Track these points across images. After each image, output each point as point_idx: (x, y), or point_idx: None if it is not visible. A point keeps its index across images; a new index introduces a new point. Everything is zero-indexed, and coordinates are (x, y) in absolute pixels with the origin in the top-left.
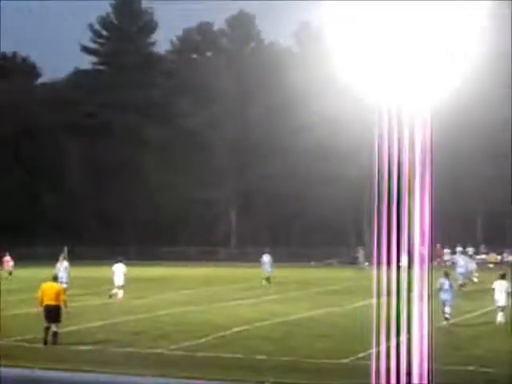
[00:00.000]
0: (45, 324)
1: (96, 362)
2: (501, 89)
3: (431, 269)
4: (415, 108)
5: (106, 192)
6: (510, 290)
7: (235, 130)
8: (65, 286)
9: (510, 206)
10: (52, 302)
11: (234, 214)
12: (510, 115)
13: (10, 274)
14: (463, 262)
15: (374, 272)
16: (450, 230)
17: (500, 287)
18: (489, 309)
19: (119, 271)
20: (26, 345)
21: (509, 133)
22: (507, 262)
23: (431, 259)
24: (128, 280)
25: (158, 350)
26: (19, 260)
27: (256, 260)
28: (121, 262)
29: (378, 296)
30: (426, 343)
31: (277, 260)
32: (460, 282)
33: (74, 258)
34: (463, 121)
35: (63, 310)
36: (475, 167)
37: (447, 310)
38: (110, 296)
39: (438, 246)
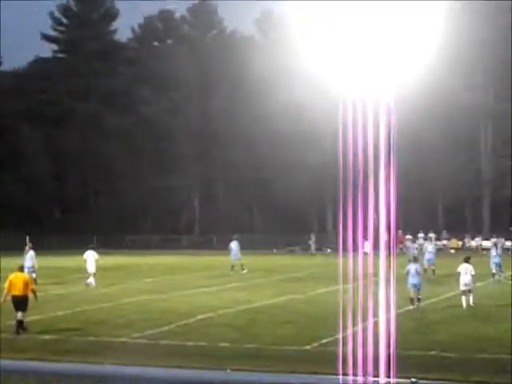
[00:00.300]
0: (16, 314)
1: (60, 351)
2: (463, 75)
3: (394, 255)
4: (378, 95)
5: (68, 180)
6: (473, 272)
7: (198, 118)
8: (34, 275)
9: (470, 191)
10: (19, 293)
11: (197, 201)
12: (471, 101)
13: None
14: (432, 248)
15: (339, 259)
16: (412, 217)
17: (465, 270)
18: (452, 293)
19: (91, 258)
20: None
21: (471, 119)
22: (468, 247)
23: (395, 245)
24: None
25: (122, 339)
26: None
27: (219, 248)
28: (92, 249)
29: (343, 282)
30: (391, 328)
31: (241, 247)
32: (426, 267)
33: (37, 248)
34: (426, 108)
35: (31, 300)
36: (437, 154)
37: (417, 293)
38: (87, 285)
39: (400, 232)
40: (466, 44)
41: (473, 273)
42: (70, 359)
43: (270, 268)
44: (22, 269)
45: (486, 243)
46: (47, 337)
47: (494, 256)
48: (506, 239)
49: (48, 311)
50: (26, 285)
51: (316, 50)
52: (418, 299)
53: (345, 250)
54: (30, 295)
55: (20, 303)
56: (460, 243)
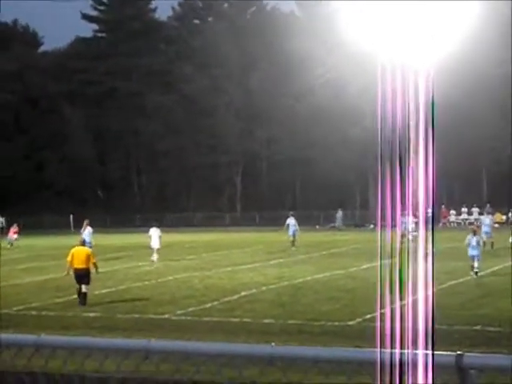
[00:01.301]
0: (77, 286)
1: (104, 328)
2: (503, 47)
3: (436, 230)
4: (418, 65)
5: (110, 160)
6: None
7: (239, 95)
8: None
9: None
10: (82, 266)
11: (240, 179)
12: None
13: (11, 244)
14: (489, 221)
15: (378, 234)
16: (456, 191)
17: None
18: (499, 267)
19: (155, 235)
20: (34, 313)
21: (508, 89)
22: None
23: (437, 220)
24: (134, 247)
25: (165, 316)
26: (24, 229)
27: (262, 224)
28: (156, 226)
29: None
30: (431, 304)
31: (283, 224)
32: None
33: (80, 227)
34: (468, 81)
35: (92, 272)
36: (479, 127)
37: (476, 264)
38: (152, 261)
39: (443, 207)
40: (506, 16)
41: (481, 244)
42: (114, 336)
43: (312, 244)
44: (83, 243)
45: None
46: (92, 314)
47: None
48: None
49: (93, 289)
50: (87, 258)
51: (356, 24)
52: (476, 273)
53: (385, 226)
54: (92, 269)
55: (83, 276)
56: (504, 217)
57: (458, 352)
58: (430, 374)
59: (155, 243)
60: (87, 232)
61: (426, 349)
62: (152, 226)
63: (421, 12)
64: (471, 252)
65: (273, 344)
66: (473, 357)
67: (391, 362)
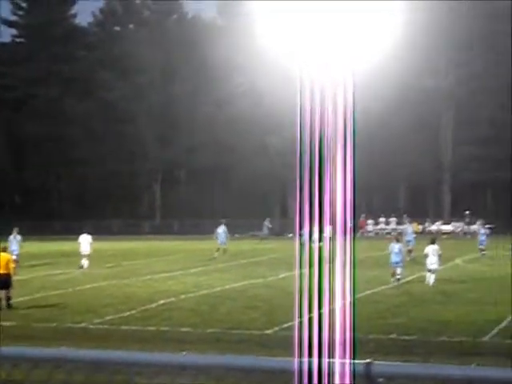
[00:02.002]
0: None
1: (19, 337)
2: (426, 60)
3: (353, 239)
4: (340, 80)
5: (28, 166)
6: (440, 252)
7: (160, 103)
8: (15, 257)
9: (431, 176)
10: (3, 271)
11: (158, 186)
12: (433, 86)
13: None
14: (411, 230)
15: (294, 244)
16: (374, 201)
17: (432, 251)
18: (413, 277)
19: (85, 241)
20: None
21: (433, 104)
22: (429, 231)
23: (354, 230)
24: (52, 254)
25: (82, 325)
26: None
27: (180, 233)
28: (86, 233)
29: (303, 267)
30: (349, 312)
31: (202, 232)
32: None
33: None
34: (389, 93)
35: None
36: (399, 138)
37: (398, 271)
38: (81, 267)
39: (362, 217)
40: (428, 29)
41: (440, 252)
42: (29, 346)
43: (231, 252)
44: (4, 249)
45: (446, 227)
46: (7, 323)
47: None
48: (466, 223)
49: None
50: (7, 263)
51: (277, 34)
52: (398, 279)
53: (303, 234)
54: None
55: (3, 281)
56: (420, 227)
57: (367, 360)
58: (344, 382)
59: (85, 249)
60: (15, 239)
61: (341, 357)
62: (83, 233)
63: (344, 23)
64: (394, 259)
65: (184, 353)
66: (382, 365)
67: (309, 371)
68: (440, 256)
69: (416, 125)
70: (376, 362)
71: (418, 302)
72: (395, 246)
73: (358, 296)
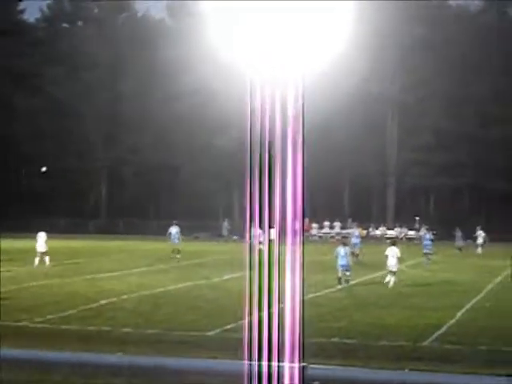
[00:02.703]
0: None
1: None
2: (372, 65)
3: (302, 242)
4: (288, 82)
5: None
6: (399, 255)
7: (108, 101)
8: None
9: (376, 180)
10: None
11: (105, 185)
12: (379, 92)
13: None
14: (358, 233)
15: (245, 245)
16: (319, 205)
17: (392, 253)
18: (356, 281)
19: (41, 239)
20: None
21: (379, 109)
22: (373, 236)
23: (303, 233)
24: None
25: (22, 323)
26: None
27: (126, 232)
28: (43, 231)
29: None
30: (297, 316)
31: (146, 232)
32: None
33: None
34: (335, 97)
35: None
36: (344, 142)
37: (347, 273)
38: (39, 263)
39: (307, 220)
40: (376, 34)
41: (399, 255)
42: None
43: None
44: None
45: (390, 232)
46: None
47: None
48: (410, 229)
49: None
50: None
51: (227, 35)
52: (347, 280)
53: (251, 236)
54: None
55: None
56: (365, 232)
57: (303, 364)
58: None
59: (41, 247)
60: None
61: (282, 360)
62: (40, 231)
63: (295, 26)
64: (341, 262)
65: (119, 354)
66: (317, 369)
67: (249, 373)
68: (399, 259)
69: (362, 129)
70: (311, 365)
71: (361, 305)
72: (342, 250)
73: (301, 299)
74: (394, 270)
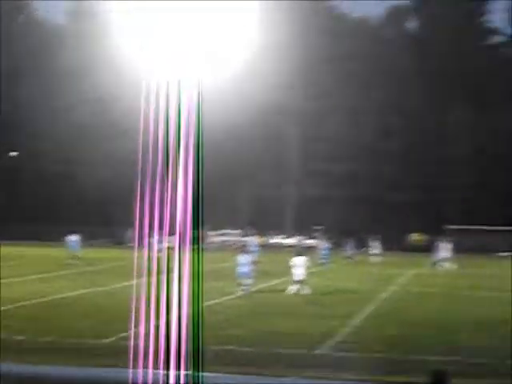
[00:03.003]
0: None
1: None
2: (275, 74)
3: (200, 250)
4: (189, 89)
5: None
6: (308, 264)
7: (5, 106)
8: None
9: (275, 189)
10: None
11: (2, 191)
12: (282, 101)
13: None
14: (256, 242)
15: (140, 253)
16: (217, 213)
17: (299, 263)
18: (255, 288)
19: None
20: None
21: (281, 118)
22: (271, 244)
23: (199, 240)
24: None
25: None
26: None
27: (21, 238)
28: None
29: (145, 276)
30: (192, 323)
31: (45, 239)
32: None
33: None
34: (237, 105)
35: None
36: (245, 149)
37: (248, 281)
38: None
39: (206, 228)
40: (279, 46)
41: (307, 264)
42: None
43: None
44: None
45: (288, 241)
46: None
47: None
48: (308, 238)
49: None
50: None
51: (128, 40)
52: (247, 288)
53: (143, 244)
54: None
55: None
56: (263, 240)
57: (188, 372)
58: None
59: None
60: None
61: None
62: None
63: (198, 34)
64: (241, 270)
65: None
66: (207, 377)
67: (144, 381)
68: (306, 268)
69: (263, 138)
70: (205, 373)
71: (258, 313)
72: (242, 258)
73: (199, 306)
74: (302, 278)
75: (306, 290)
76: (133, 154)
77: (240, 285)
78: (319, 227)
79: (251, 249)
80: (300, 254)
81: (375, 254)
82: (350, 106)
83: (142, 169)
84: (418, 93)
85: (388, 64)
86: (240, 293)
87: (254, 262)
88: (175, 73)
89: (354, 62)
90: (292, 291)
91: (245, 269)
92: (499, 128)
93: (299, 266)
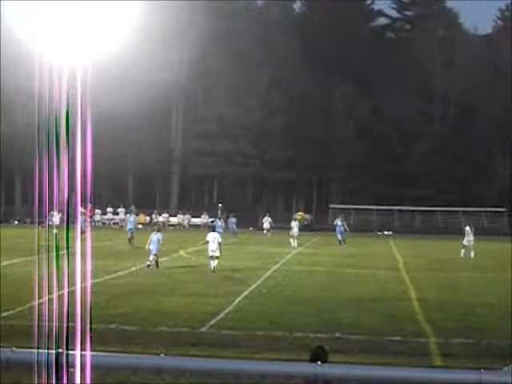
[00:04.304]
0: None
1: None
2: (158, 54)
3: (86, 228)
4: (73, 66)
5: None
6: (220, 240)
7: None
8: None
9: (161, 168)
10: None
11: None
12: (165, 81)
13: None
14: (133, 219)
15: (34, 230)
16: (102, 191)
17: (212, 238)
18: (136, 268)
19: None
20: None
21: (164, 98)
22: (156, 222)
23: (88, 218)
24: None
25: None
26: None
27: None
28: None
29: (31, 255)
30: (79, 302)
31: None
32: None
33: None
34: (120, 86)
35: None
36: (128, 129)
37: (151, 258)
38: None
39: (90, 206)
40: (164, 23)
41: (220, 241)
42: None
43: None
44: None
45: (173, 219)
46: None
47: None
48: (192, 216)
49: None
50: None
51: (15, 19)
52: (156, 263)
53: (34, 222)
54: None
55: None
56: (148, 218)
57: (59, 350)
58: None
59: None
60: None
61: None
62: None
63: (80, 16)
64: (151, 247)
65: None
66: (73, 355)
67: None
68: (220, 244)
69: (148, 117)
70: (69, 352)
71: (141, 292)
72: (154, 236)
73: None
74: (216, 254)
75: (214, 266)
76: (17, 133)
77: (149, 262)
78: (220, 205)
79: (128, 226)
80: (213, 230)
81: (266, 232)
82: (236, 85)
83: (34, 146)
84: (302, 73)
85: (274, 44)
86: (147, 269)
87: (129, 239)
88: (62, 51)
89: (240, 42)
90: (211, 266)
91: (153, 246)
92: (382, 109)
93: (212, 241)
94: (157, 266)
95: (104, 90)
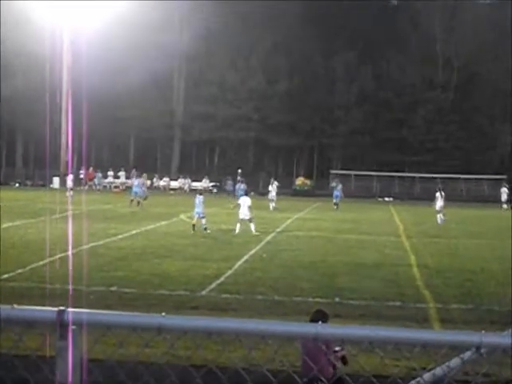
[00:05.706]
0: None
1: None
2: (160, 15)
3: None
4: (75, 32)
5: None
6: (250, 204)
7: None
8: None
9: (162, 132)
10: None
11: None
12: (167, 41)
13: None
14: (137, 183)
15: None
16: (104, 154)
17: (243, 202)
18: (137, 231)
19: None
20: None
21: (167, 60)
22: (157, 186)
23: (84, 182)
24: None
25: None
26: None
27: None
28: None
29: (32, 217)
30: (81, 263)
31: None
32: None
33: None
34: (123, 46)
35: None
36: (130, 92)
37: (203, 221)
38: None
39: (91, 169)
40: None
41: (250, 204)
42: None
43: None
44: None
45: (174, 183)
46: None
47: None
48: (193, 180)
49: None
50: None
51: None
52: (205, 228)
53: (35, 185)
54: None
55: None
56: (149, 182)
57: (60, 308)
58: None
59: None
60: None
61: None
62: None
63: None
64: (196, 209)
65: None
66: (76, 313)
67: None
68: (250, 207)
69: (149, 81)
70: (69, 309)
71: (141, 255)
72: (197, 199)
73: (82, 248)
74: (248, 217)
75: (253, 228)
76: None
77: (194, 224)
78: (240, 170)
79: (133, 189)
80: (246, 194)
81: (272, 198)
82: (237, 48)
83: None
84: (305, 38)
85: (277, 8)
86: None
87: (138, 202)
88: (63, 15)
89: (243, 4)
90: (252, 229)
91: (199, 209)
92: (385, 74)
93: (243, 205)
94: (193, 228)
95: (106, 51)
